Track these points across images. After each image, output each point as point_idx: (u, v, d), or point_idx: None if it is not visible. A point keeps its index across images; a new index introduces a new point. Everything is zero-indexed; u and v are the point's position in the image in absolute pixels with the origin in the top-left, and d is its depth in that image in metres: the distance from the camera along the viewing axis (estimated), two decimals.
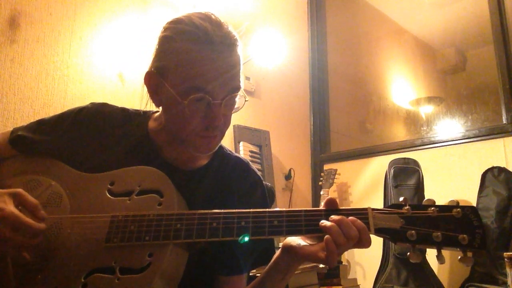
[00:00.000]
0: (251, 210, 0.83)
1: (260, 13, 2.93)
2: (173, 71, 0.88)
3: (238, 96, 0.93)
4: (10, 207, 0.79)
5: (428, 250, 2.15)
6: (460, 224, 0.75)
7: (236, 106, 0.95)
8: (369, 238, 0.78)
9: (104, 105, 1.07)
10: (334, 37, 3.39)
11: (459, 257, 0.75)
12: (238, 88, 0.92)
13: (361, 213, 0.80)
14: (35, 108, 1.77)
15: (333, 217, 0.78)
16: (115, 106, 1.08)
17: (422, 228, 0.76)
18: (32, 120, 1.09)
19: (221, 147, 1.07)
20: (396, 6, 3.44)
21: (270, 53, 2.57)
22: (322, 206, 0.84)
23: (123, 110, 1.07)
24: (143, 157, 0.98)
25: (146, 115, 1.07)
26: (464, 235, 0.74)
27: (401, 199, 0.81)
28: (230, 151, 1.10)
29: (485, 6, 2.52)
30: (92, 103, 1.07)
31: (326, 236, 0.77)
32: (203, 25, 0.87)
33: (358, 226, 0.78)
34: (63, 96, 1.86)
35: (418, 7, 3.30)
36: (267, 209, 0.83)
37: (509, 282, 1.49)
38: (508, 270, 1.47)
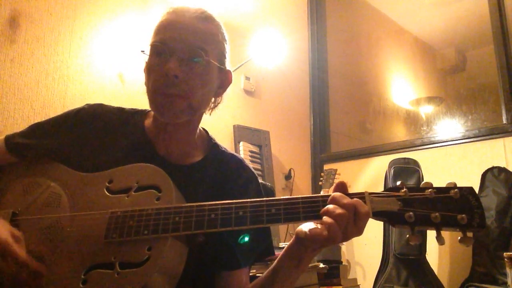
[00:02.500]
0: (249, 200, 0.83)
1: (260, 13, 2.93)
2: (150, 39, 0.97)
3: (203, 61, 0.94)
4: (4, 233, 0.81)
5: (428, 249, 2.16)
6: (458, 205, 0.75)
7: (206, 75, 0.96)
8: (367, 208, 0.77)
9: (101, 106, 1.07)
10: (334, 37, 3.40)
11: (459, 237, 0.75)
12: (199, 48, 0.93)
13: (359, 197, 0.80)
14: (35, 108, 1.77)
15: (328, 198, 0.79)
16: (111, 106, 1.08)
17: (420, 209, 0.76)
18: (32, 121, 1.10)
19: (216, 145, 1.08)
20: (396, 6, 3.44)
21: (270, 53, 2.57)
22: (331, 189, 0.83)
23: (120, 110, 1.07)
24: (140, 155, 0.99)
25: (143, 113, 1.08)
26: (463, 215, 0.74)
27: (398, 182, 0.81)
28: (225, 148, 1.10)
29: (485, 6, 2.52)
30: (88, 104, 1.07)
31: (324, 217, 0.77)
32: (182, 5, 0.98)
33: (351, 198, 0.78)
34: (63, 96, 1.86)
35: (418, 7, 3.30)
36: (264, 198, 0.83)
37: (509, 282, 1.49)
38: (508, 270, 1.48)
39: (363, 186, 2.79)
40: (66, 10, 1.92)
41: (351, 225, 0.76)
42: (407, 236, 0.77)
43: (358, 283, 2.22)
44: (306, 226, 0.82)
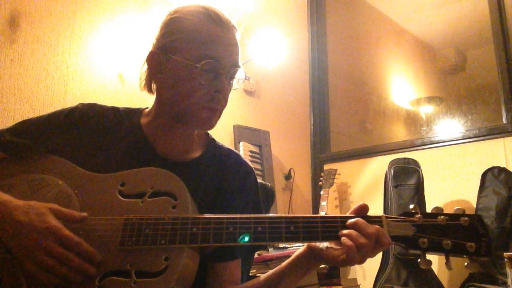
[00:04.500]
0: (267, 215, 0.83)
1: (260, 13, 2.93)
2: (185, 43, 0.94)
3: (236, 77, 1.00)
4: (53, 220, 0.80)
5: None
6: (467, 233, 0.79)
7: (235, 86, 1.01)
8: (389, 238, 0.79)
9: (94, 106, 1.06)
10: (334, 37, 3.39)
11: (466, 263, 0.79)
12: (239, 66, 0.99)
13: (376, 221, 0.82)
14: (35, 108, 1.77)
15: (349, 221, 0.81)
16: (105, 105, 1.08)
17: (433, 236, 0.80)
18: (34, 117, 1.07)
19: (213, 140, 1.10)
20: (396, 6, 3.44)
21: (270, 53, 2.57)
22: (350, 211, 0.85)
23: (114, 110, 1.07)
24: (139, 154, 0.98)
25: (137, 111, 1.07)
26: (472, 243, 0.77)
27: (411, 206, 0.84)
28: (221, 143, 1.12)
29: (485, 6, 2.52)
30: (81, 104, 1.06)
31: (343, 239, 0.79)
32: (210, 7, 0.97)
33: (371, 223, 0.80)
34: (63, 96, 1.86)
35: (418, 7, 3.30)
36: (283, 215, 0.84)
37: (509, 282, 1.49)
38: (508, 270, 1.47)
39: (363, 186, 2.79)
40: (66, 10, 1.92)
41: (370, 252, 0.79)
42: (419, 260, 0.81)
43: (358, 283, 2.22)
44: (323, 244, 0.84)
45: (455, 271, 2.27)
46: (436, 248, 0.79)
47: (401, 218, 0.82)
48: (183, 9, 0.99)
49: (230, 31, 0.97)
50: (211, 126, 0.99)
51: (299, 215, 0.83)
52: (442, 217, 0.80)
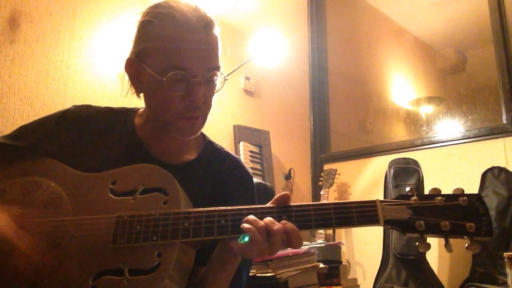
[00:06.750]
0: (259, 206, 0.82)
1: (260, 13, 2.93)
2: (152, 53, 0.91)
3: (218, 77, 0.94)
4: None
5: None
6: (466, 212, 0.76)
7: (216, 87, 0.96)
8: (299, 236, 0.78)
9: (88, 107, 1.06)
10: (334, 37, 3.40)
11: (466, 245, 0.76)
12: (217, 67, 0.93)
13: (370, 205, 0.79)
14: (35, 108, 1.77)
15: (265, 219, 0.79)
16: (99, 106, 1.07)
17: (430, 217, 0.77)
18: (32, 120, 1.08)
19: (211, 142, 1.08)
20: (396, 6, 3.44)
21: (270, 53, 2.57)
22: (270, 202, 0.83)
23: (108, 110, 1.06)
24: (132, 156, 0.97)
25: (132, 112, 1.06)
26: (471, 223, 0.75)
27: (407, 189, 0.81)
28: (220, 146, 1.09)
29: (485, 6, 2.52)
30: (75, 106, 1.05)
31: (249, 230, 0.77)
32: (179, 7, 0.91)
33: (286, 225, 0.78)
34: (63, 96, 1.86)
35: (418, 7, 3.30)
36: (274, 205, 0.82)
37: (509, 282, 1.49)
38: (508, 270, 1.48)
39: (363, 186, 2.79)
40: (66, 10, 1.92)
41: (277, 240, 0.77)
42: (417, 244, 0.78)
43: (358, 283, 2.22)
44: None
45: (455, 271, 2.27)
46: (434, 230, 0.76)
47: (396, 202, 0.80)
48: (152, 10, 0.96)
49: (201, 32, 0.90)
50: (193, 134, 0.96)
51: (292, 204, 0.82)
52: (440, 198, 0.78)
